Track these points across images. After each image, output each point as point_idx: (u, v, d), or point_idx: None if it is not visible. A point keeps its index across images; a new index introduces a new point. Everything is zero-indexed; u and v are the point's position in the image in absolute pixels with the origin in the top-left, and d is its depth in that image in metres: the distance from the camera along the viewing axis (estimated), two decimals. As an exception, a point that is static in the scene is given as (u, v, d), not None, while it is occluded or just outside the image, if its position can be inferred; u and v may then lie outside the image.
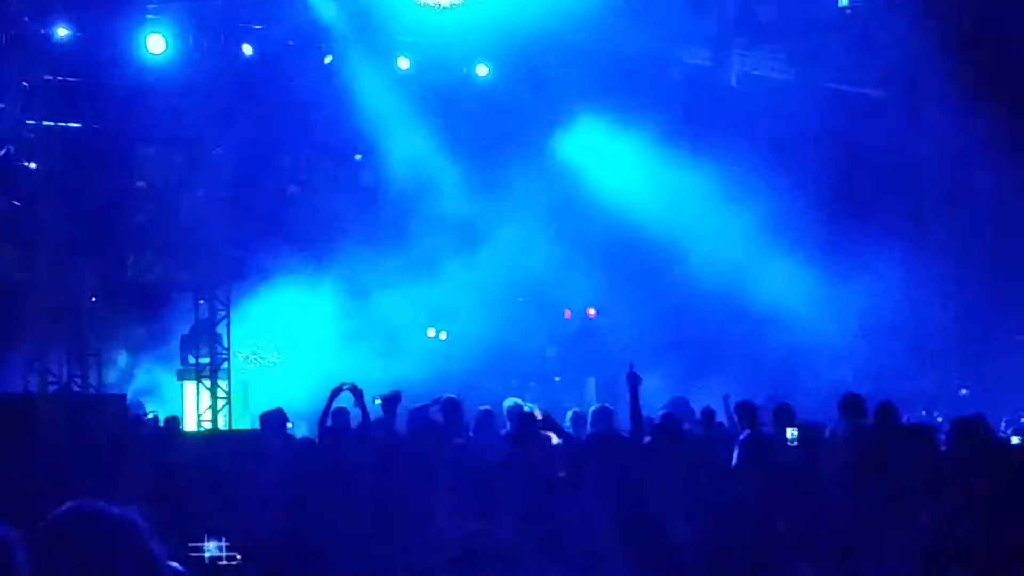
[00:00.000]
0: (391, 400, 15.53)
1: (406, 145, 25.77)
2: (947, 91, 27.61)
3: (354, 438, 15.09)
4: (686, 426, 15.55)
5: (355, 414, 16.20)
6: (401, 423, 16.28)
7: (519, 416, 15.60)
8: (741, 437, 14.98)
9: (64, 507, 4.07)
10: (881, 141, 27.36)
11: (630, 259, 27.95)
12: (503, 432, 15.46)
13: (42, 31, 21.55)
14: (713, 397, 17.93)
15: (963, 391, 27.76)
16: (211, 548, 5.76)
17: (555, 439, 15.59)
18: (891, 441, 13.81)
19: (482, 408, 16.65)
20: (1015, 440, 17.06)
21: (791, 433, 14.70)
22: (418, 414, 16.64)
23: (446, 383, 19.75)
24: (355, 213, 26.78)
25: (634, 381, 14.33)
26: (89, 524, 3.97)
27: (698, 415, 16.79)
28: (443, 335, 29.70)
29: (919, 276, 28.78)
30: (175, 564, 4.48)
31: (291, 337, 27.45)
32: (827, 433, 15.72)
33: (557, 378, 28.57)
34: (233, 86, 23.39)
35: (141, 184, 24.72)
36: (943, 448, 12.72)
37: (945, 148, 28.65)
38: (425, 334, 29.18)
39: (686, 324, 27.76)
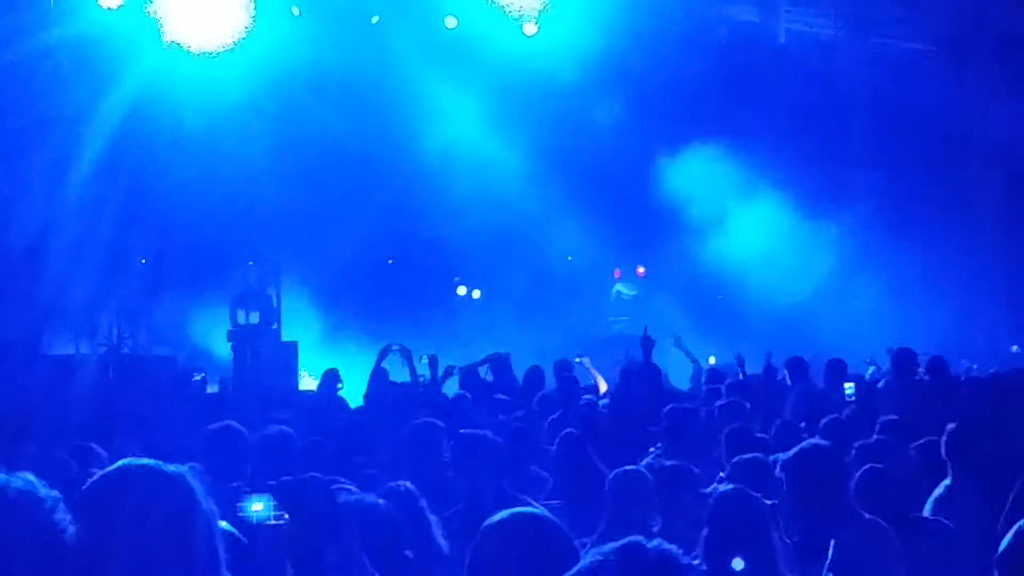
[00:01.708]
0: (435, 360, 15.65)
1: (450, 110, 25.59)
2: (998, 46, 27.35)
3: (399, 396, 15.17)
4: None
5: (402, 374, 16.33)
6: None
7: (562, 379, 15.68)
8: (793, 391, 14.98)
9: (116, 465, 4.06)
10: (929, 98, 27.08)
11: (673, 224, 27.91)
12: (552, 388, 15.55)
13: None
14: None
15: (1015, 348, 27.58)
16: (260, 507, 5.75)
17: (603, 387, 15.69)
18: (947, 395, 13.80)
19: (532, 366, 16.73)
20: None
21: (849, 388, 14.66)
22: (469, 372, 16.71)
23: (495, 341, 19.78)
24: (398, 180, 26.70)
25: (648, 343, 14.63)
26: (141, 481, 3.95)
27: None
28: (476, 293, 29.76)
29: (967, 234, 28.61)
30: (223, 523, 4.47)
31: (339, 299, 27.61)
32: (880, 386, 15.71)
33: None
34: (282, 47, 23.25)
35: (188, 151, 24.62)
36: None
37: (996, 106, 28.30)
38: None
39: (724, 289, 27.75)
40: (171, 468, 4.02)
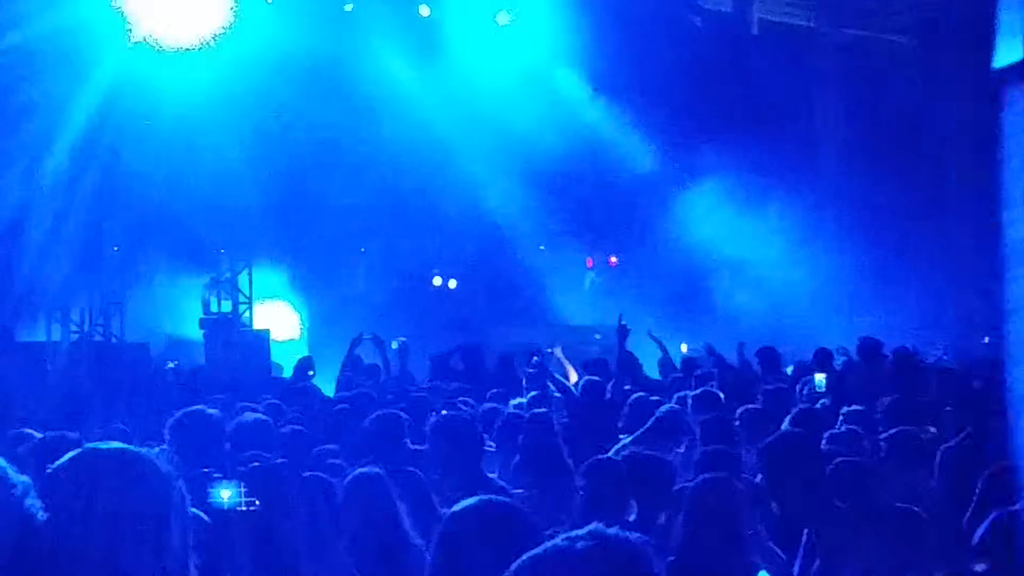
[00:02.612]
0: (403, 348, 15.66)
1: (424, 99, 25.51)
2: (975, 36, 27.39)
3: (371, 384, 15.17)
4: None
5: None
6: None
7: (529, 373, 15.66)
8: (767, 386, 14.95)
9: (85, 448, 4.05)
10: (904, 90, 27.14)
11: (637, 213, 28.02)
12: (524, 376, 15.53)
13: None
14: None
15: (986, 339, 27.59)
16: (229, 493, 5.75)
17: (573, 377, 15.65)
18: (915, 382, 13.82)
19: (501, 354, 16.74)
20: None
21: (819, 379, 14.50)
22: (440, 360, 16.73)
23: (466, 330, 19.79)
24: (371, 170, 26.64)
25: (623, 333, 14.63)
26: (112, 464, 3.93)
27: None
28: (452, 283, 29.73)
29: (941, 223, 28.67)
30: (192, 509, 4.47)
31: (314, 287, 27.61)
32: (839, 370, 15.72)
33: (598, 335, 27.61)
34: (255, 35, 23.16)
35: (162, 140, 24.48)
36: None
37: (970, 95, 28.31)
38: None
39: (689, 279, 27.74)
40: (142, 451, 4.02)
